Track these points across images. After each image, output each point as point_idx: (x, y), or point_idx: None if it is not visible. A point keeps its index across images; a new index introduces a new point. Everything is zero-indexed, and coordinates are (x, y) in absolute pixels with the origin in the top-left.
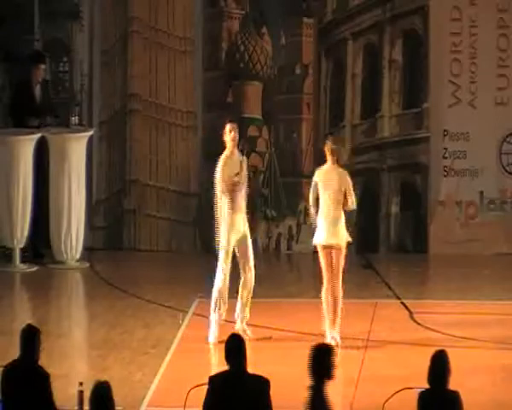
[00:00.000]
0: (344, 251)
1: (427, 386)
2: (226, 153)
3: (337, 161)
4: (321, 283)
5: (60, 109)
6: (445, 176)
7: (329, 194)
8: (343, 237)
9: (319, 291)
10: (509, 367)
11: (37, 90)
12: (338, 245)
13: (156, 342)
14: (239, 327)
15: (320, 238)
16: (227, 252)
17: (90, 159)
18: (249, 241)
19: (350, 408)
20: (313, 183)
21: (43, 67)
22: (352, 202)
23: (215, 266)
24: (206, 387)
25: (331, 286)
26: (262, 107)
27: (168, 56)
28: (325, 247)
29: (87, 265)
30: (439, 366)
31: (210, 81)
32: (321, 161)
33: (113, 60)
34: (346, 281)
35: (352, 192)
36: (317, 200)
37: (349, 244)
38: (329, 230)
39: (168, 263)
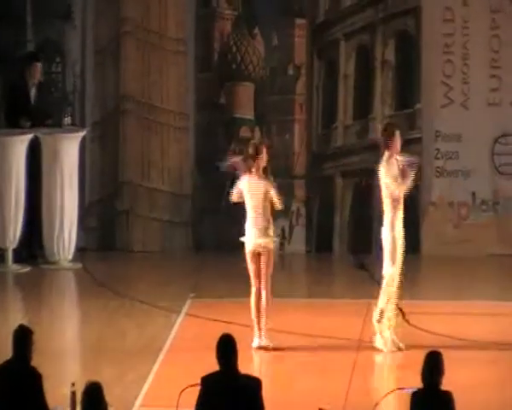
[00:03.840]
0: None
1: (419, 386)
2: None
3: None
4: None
5: (53, 110)
6: (437, 177)
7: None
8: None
9: (311, 291)
10: (502, 367)
11: (33, 92)
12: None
13: (149, 343)
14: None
15: None
16: None
17: (83, 159)
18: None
19: (342, 409)
20: None
21: (39, 65)
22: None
23: (207, 266)
24: (198, 387)
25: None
26: (254, 108)
27: (161, 57)
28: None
29: (80, 265)
30: (432, 366)
31: (202, 82)
32: (314, 161)
33: (106, 60)
34: (340, 281)
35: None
36: None
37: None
38: None
39: (161, 264)
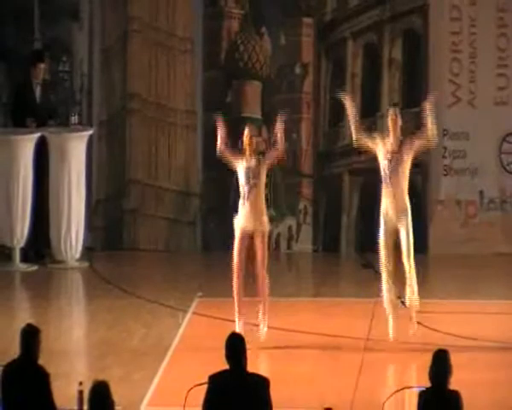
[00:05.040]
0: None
1: (426, 385)
2: None
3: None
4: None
5: (59, 109)
6: (444, 175)
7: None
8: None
9: (318, 290)
10: (510, 366)
11: (38, 91)
12: None
13: (156, 342)
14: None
15: None
16: None
17: (90, 158)
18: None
19: (350, 407)
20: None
21: (42, 66)
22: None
23: (215, 265)
24: (205, 386)
25: None
26: (261, 106)
27: (168, 56)
28: None
29: (87, 264)
30: (440, 365)
31: (209, 81)
32: (321, 160)
33: (113, 59)
34: (347, 280)
35: None
36: None
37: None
38: None
39: (168, 263)
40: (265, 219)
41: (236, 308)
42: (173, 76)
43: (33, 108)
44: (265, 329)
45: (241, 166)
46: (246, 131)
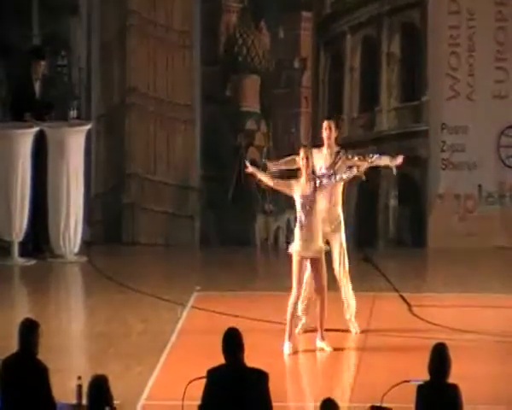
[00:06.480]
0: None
1: (425, 379)
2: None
3: None
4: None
5: (58, 103)
6: (443, 169)
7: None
8: None
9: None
10: (508, 360)
11: (38, 87)
12: None
13: (155, 336)
14: None
15: None
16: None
17: (89, 153)
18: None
19: (349, 401)
20: None
21: (42, 63)
22: None
23: (213, 259)
24: (204, 380)
25: None
26: (260, 100)
27: (167, 50)
28: None
29: (85, 259)
30: (439, 359)
31: (208, 75)
32: None
33: (112, 54)
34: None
35: None
36: None
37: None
38: None
39: (166, 257)
40: (321, 244)
41: (288, 329)
42: (172, 70)
43: (32, 103)
44: (329, 348)
45: (297, 193)
46: (301, 153)
